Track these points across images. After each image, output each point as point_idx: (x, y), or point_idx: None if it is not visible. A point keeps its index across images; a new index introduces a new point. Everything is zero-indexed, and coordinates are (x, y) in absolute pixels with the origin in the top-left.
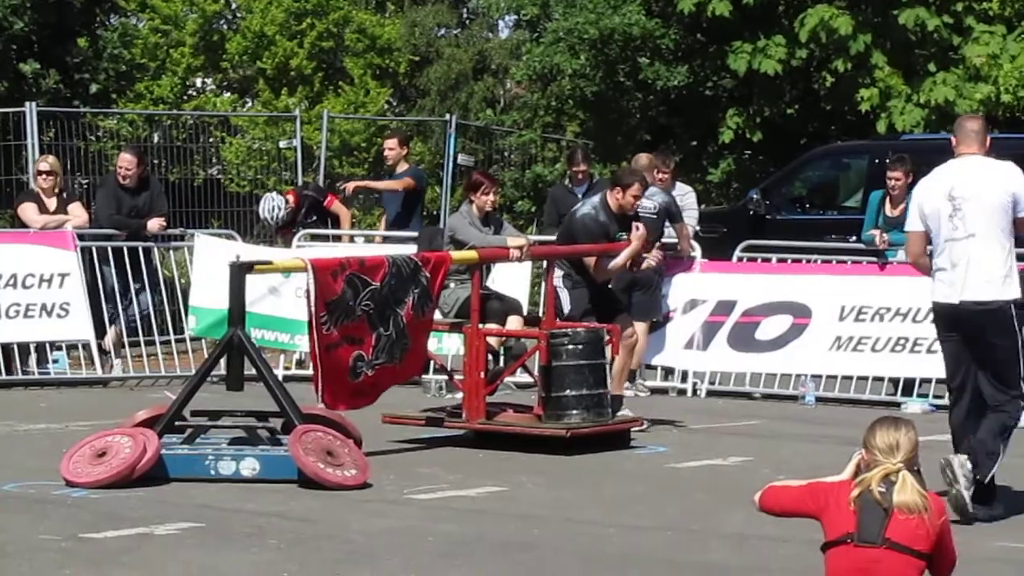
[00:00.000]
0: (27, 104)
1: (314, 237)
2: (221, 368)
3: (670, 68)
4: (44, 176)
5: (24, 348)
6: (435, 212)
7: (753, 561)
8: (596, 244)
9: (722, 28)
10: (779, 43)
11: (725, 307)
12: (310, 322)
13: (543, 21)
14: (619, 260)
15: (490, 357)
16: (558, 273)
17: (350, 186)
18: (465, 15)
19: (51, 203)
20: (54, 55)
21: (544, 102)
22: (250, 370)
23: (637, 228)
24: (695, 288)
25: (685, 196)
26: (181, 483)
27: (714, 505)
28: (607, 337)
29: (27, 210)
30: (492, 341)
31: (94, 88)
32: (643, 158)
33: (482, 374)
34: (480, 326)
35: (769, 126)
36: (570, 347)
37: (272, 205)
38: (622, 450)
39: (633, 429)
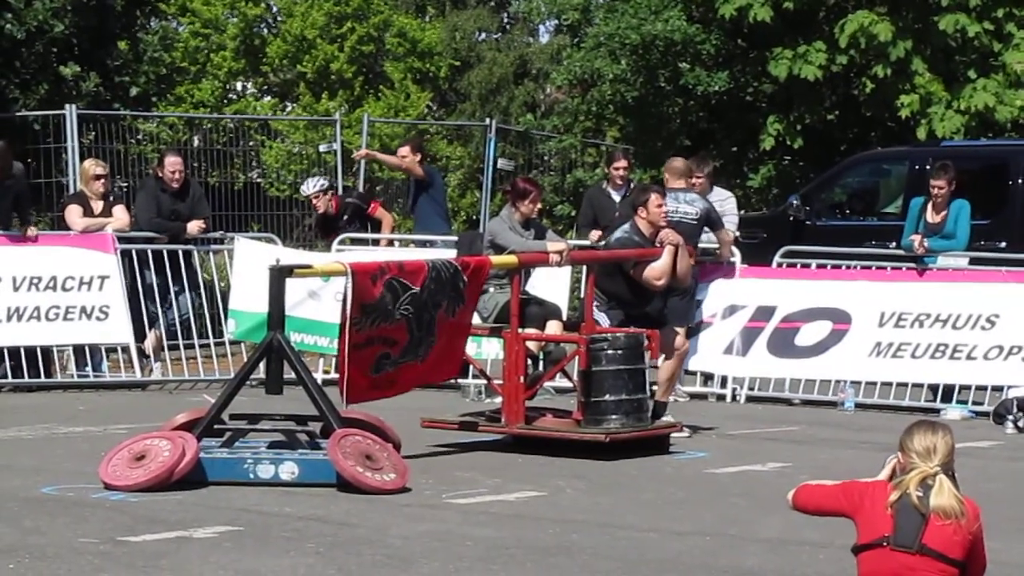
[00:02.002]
0: (67, 107)
1: (354, 241)
2: (260, 372)
3: (711, 73)
4: (103, 181)
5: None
6: (475, 216)
7: (791, 566)
8: (634, 266)
9: (763, 34)
10: (819, 49)
11: (765, 313)
12: (342, 324)
13: (584, 26)
14: (664, 260)
15: (529, 362)
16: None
17: (361, 153)
18: (505, 19)
19: (98, 206)
20: (94, 58)
21: (584, 107)
22: (289, 374)
23: (667, 233)
24: (735, 293)
25: (725, 201)
26: (220, 487)
27: (752, 510)
28: (646, 342)
29: (71, 212)
30: (531, 346)
31: (134, 91)
32: (677, 161)
33: (521, 379)
34: (519, 331)
35: (809, 132)
36: (609, 352)
37: (313, 182)
38: (661, 455)
39: (673, 434)
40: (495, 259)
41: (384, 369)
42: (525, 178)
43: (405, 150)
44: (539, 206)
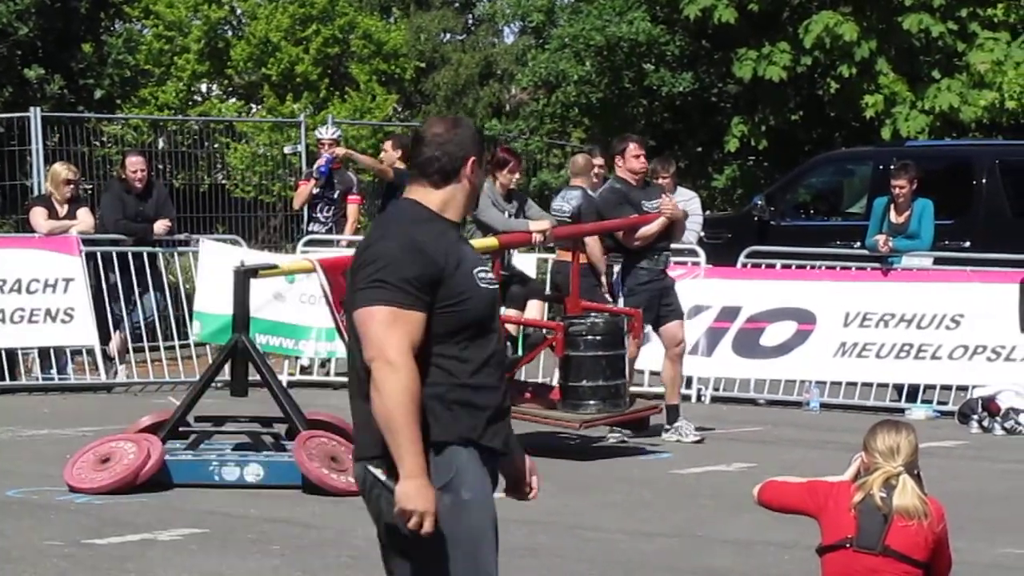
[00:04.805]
0: (31, 109)
1: (314, 242)
2: (225, 374)
3: (675, 75)
4: (73, 187)
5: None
6: None
7: (758, 567)
8: (624, 217)
9: (727, 35)
10: (784, 50)
11: (729, 313)
12: (336, 323)
13: (548, 27)
14: (652, 227)
15: (508, 344)
16: (616, 277)
17: (340, 151)
18: (470, 21)
19: (63, 209)
20: (59, 60)
21: (550, 109)
22: (254, 376)
23: (669, 197)
24: (699, 294)
25: (689, 202)
26: (185, 489)
27: (719, 511)
28: (627, 325)
29: (36, 215)
30: (509, 327)
31: (99, 94)
32: (579, 158)
33: None
34: (504, 310)
35: (774, 133)
36: (588, 337)
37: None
38: (627, 456)
39: (652, 416)
40: (475, 243)
41: None
42: (504, 147)
43: (388, 145)
44: (518, 176)
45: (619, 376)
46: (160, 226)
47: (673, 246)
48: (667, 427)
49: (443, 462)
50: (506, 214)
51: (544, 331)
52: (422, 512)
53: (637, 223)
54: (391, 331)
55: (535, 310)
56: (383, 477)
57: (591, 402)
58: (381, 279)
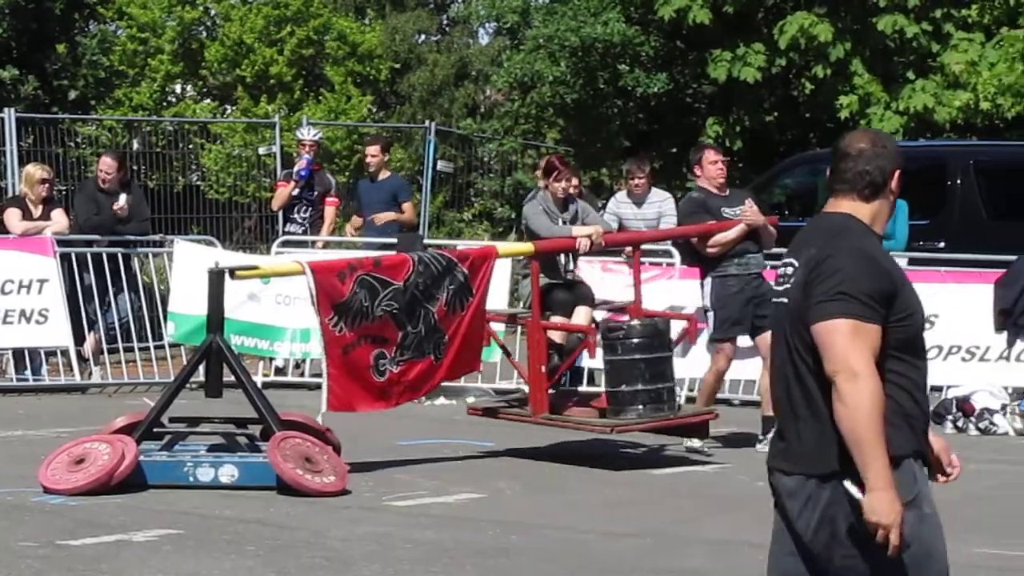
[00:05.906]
0: (6, 110)
1: (289, 243)
2: (200, 375)
3: (650, 75)
4: (47, 186)
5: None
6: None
7: (733, 567)
8: (699, 222)
9: (702, 35)
10: (759, 50)
11: (704, 313)
12: (321, 324)
13: (523, 28)
14: (729, 234)
15: (553, 351)
16: (707, 290)
17: (380, 218)
18: (445, 22)
19: (38, 210)
20: (33, 61)
21: (524, 109)
22: (229, 377)
23: (751, 203)
24: (674, 294)
25: (664, 202)
26: (159, 490)
27: (693, 511)
28: (670, 328)
29: (10, 216)
30: (554, 335)
31: (73, 94)
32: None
33: (543, 368)
34: (550, 317)
35: (749, 133)
36: (625, 341)
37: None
38: (601, 457)
39: (709, 421)
40: (505, 248)
41: (386, 370)
42: (554, 155)
43: (375, 149)
44: (566, 184)
45: (661, 380)
46: (118, 206)
47: (652, 247)
48: (761, 438)
49: (906, 477)
50: (560, 221)
51: (579, 338)
52: (888, 525)
53: (707, 230)
54: (854, 343)
55: (583, 316)
56: (857, 493)
57: (631, 407)
58: (844, 292)
